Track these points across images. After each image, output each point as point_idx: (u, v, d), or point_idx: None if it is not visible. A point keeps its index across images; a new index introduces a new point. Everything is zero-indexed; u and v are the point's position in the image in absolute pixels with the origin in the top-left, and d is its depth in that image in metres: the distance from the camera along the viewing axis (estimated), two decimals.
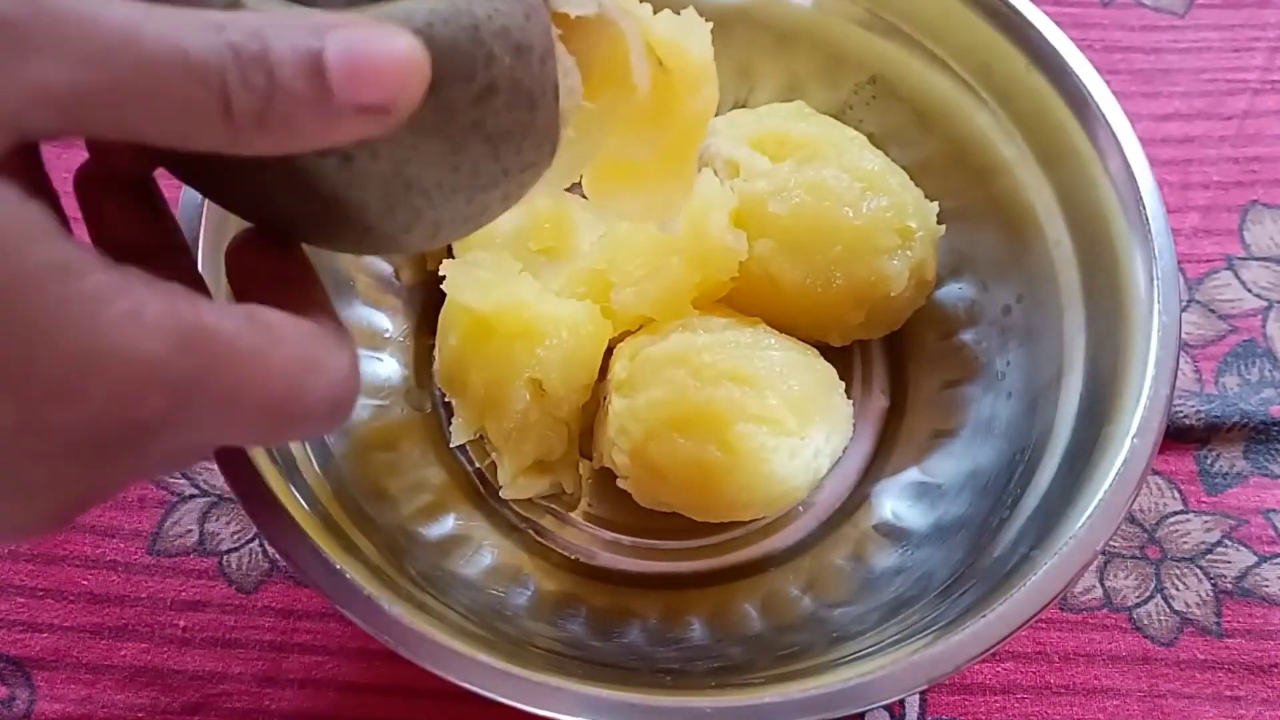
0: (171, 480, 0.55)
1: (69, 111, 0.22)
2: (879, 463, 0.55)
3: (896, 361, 0.58)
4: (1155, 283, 0.45)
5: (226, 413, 0.26)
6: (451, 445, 0.54)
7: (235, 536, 0.54)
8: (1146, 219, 0.46)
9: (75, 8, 0.22)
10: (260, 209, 0.31)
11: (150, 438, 0.25)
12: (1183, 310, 0.59)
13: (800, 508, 0.54)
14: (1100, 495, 0.41)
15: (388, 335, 0.55)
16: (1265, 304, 0.61)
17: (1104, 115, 0.48)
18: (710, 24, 0.40)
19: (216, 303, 0.26)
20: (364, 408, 0.53)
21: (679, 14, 0.39)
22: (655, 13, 0.38)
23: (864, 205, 0.51)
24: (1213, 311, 0.61)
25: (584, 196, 0.44)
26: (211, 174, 0.29)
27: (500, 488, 0.53)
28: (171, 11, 0.23)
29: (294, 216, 0.30)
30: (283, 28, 0.24)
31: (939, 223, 0.53)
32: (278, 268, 0.32)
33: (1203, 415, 0.57)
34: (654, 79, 0.36)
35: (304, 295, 0.31)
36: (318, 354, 0.28)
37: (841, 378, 0.51)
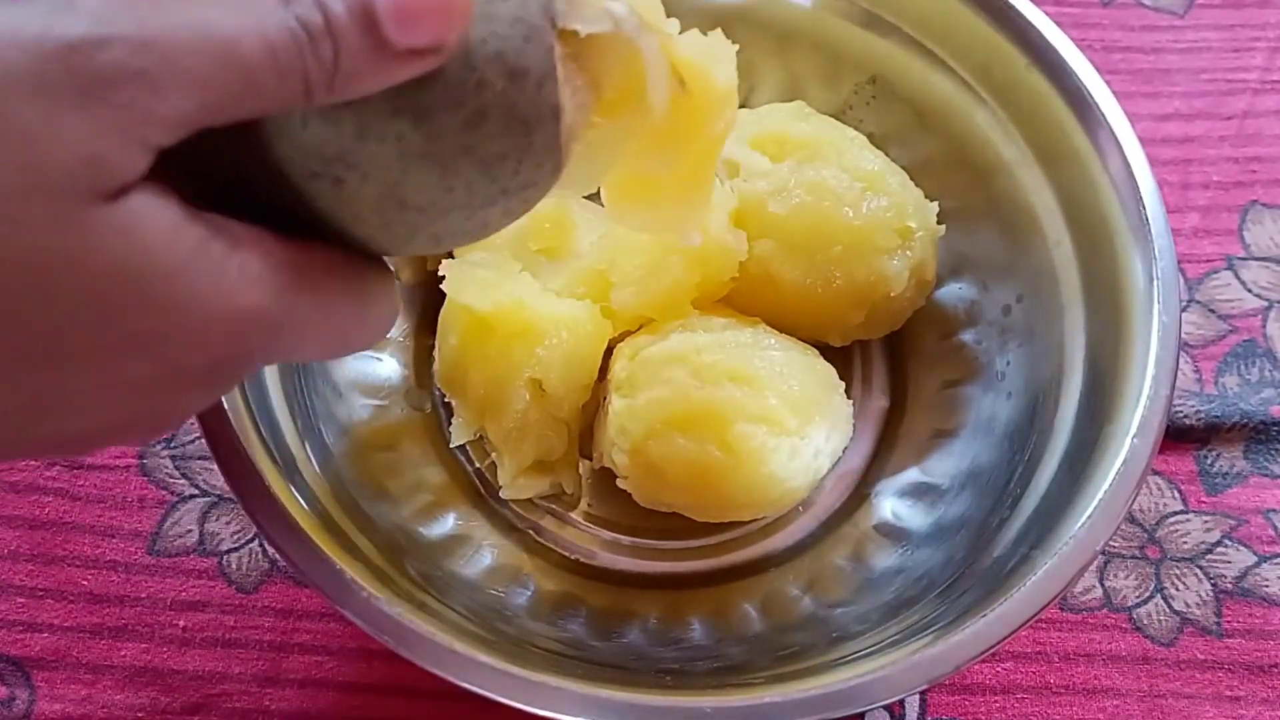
0: (171, 480, 0.55)
1: (193, 124, 0.26)
2: (879, 463, 0.55)
3: (896, 361, 0.58)
4: (1155, 283, 0.45)
5: (315, 330, 0.31)
6: (451, 445, 0.54)
7: (235, 536, 0.54)
8: (1146, 219, 0.46)
9: (183, 38, 0.25)
10: (268, 219, 0.31)
11: (255, 359, 0.30)
12: (1183, 310, 0.59)
13: (800, 508, 0.54)
14: (1100, 495, 0.41)
15: (388, 335, 0.55)
16: (1265, 304, 0.61)
17: (1104, 115, 0.48)
18: (737, 47, 0.39)
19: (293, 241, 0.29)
20: (364, 408, 0.53)
21: (706, 34, 0.39)
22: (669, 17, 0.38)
23: (864, 205, 0.51)
24: (1213, 311, 0.61)
25: (599, 203, 0.44)
26: (222, 188, 0.30)
27: (500, 488, 0.53)
28: (233, 16, 0.26)
29: (299, 225, 0.31)
30: None
31: (939, 223, 0.53)
32: None
33: (1203, 415, 0.57)
34: (675, 99, 0.36)
35: None
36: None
37: (841, 378, 0.51)
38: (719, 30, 0.39)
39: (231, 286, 0.27)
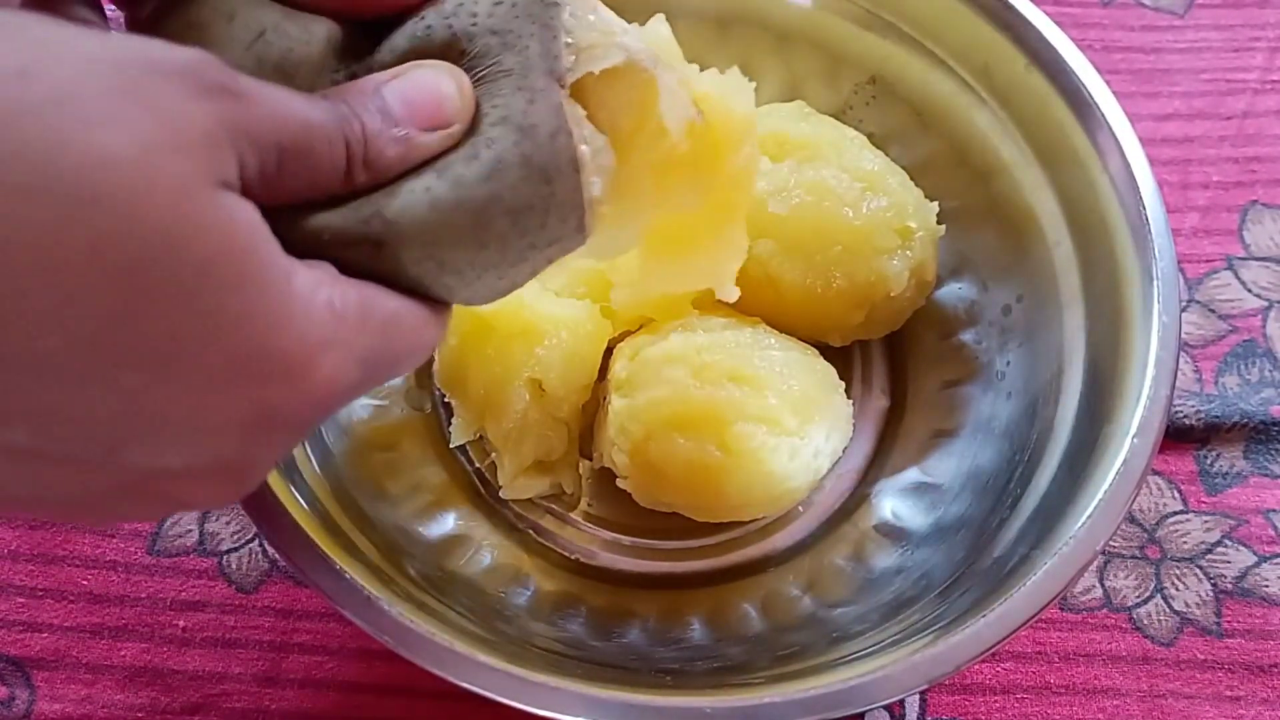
0: None
1: (260, 154, 0.27)
2: (879, 463, 0.56)
3: (896, 361, 0.58)
4: (1155, 283, 0.45)
5: (398, 361, 0.32)
6: (451, 446, 0.54)
7: (235, 536, 0.54)
8: (1146, 219, 0.46)
9: (254, 85, 0.28)
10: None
11: (352, 393, 0.30)
12: (1183, 310, 0.59)
13: (800, 508, 0.54)
14: (1100, 495, 0.41)
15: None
16: (1265, 304, 0.61)
17: (1104, 115, 0.48)
18: (754, 84, 0.40)
19: (376, 287, 0.31)
20: (364, 408, 0.53)
21: (723, 72, 0.39)
22: (655, 21, 0.38)
23: (864, 205, 0.51)
24: (1213, 311, 0.61)
25: None
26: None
27: (500, 488, 0.53)
28: (293, 94, 0.29)
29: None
30: (355, 91, 0.31)
31: (939, 223, 0.53)
32: None
33: (1203, 415, 0.57)
34: (693, 131, 0.36)
35: None
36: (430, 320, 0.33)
37: (841, 378, 0.51)
38: (736, 68, 0.39)
39: (323, 319, 0.28)
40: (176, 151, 0.24)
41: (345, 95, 0.30)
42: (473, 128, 0.31)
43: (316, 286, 0.28)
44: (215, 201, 0.25)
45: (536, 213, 0.31)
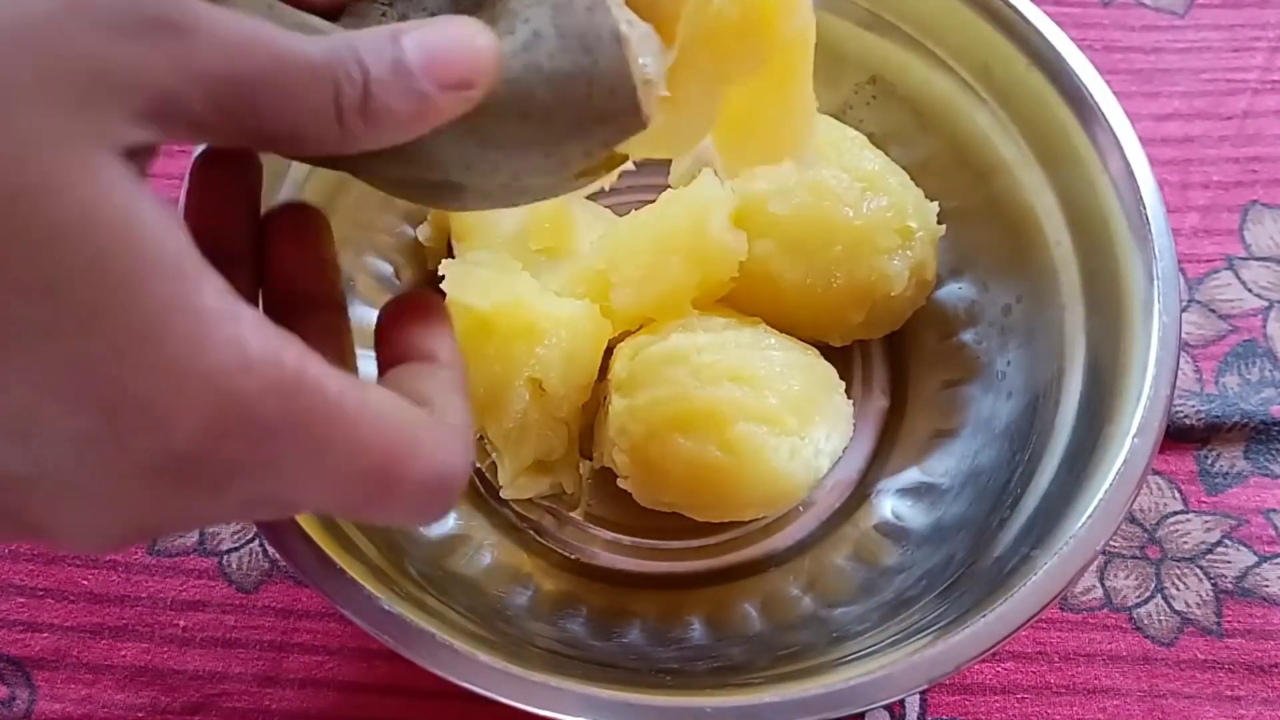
0: None
1: (213, 97, 0.24)
2: (879, 463, 0.55)
3: (896, 361, 0.58)
4: (1155, 283, 0.45)
5: (312, 469, 0.26)
6: None
7: (235, 536, 0.54)
8: (1146, 219, 0.46)
9: (217, 14, 0.24)
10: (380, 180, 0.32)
11: (231, 479, 0.25)
12: (1183, 310, 0.59)
13: (800, 507, 0.54)
14: (1100, 495, 0.41)
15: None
16: (1265, 304, 0.61)
17: (1104, 115, 0.48)
18: None
19: (331, 367, 0.26)
20: None
21: None
22: None
23: (864, 205, 0.51)
24: (1213, 311, 0.61)
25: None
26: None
27: (500, 488, 0.53)
28: (274, 28, 0.26)
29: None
30: (369, 35, 0.27)
31: (939, 223, 0.53)
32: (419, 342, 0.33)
33: (1203, 415, 0.57)
34: None
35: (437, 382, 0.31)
36: (423, 436, 0.28)
37: (841, 378, 0.51)
38: None
39: (219, 349, 0.23)
40: (46, 103, 0.22)
41: (356, 37, 0.27)
42: (508, 12, 0.30)
43: (225, 320, 0.24)
44: (88, 166, 0.22)
45: (579, 81, 0.30)
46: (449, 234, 0.56)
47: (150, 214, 0.23)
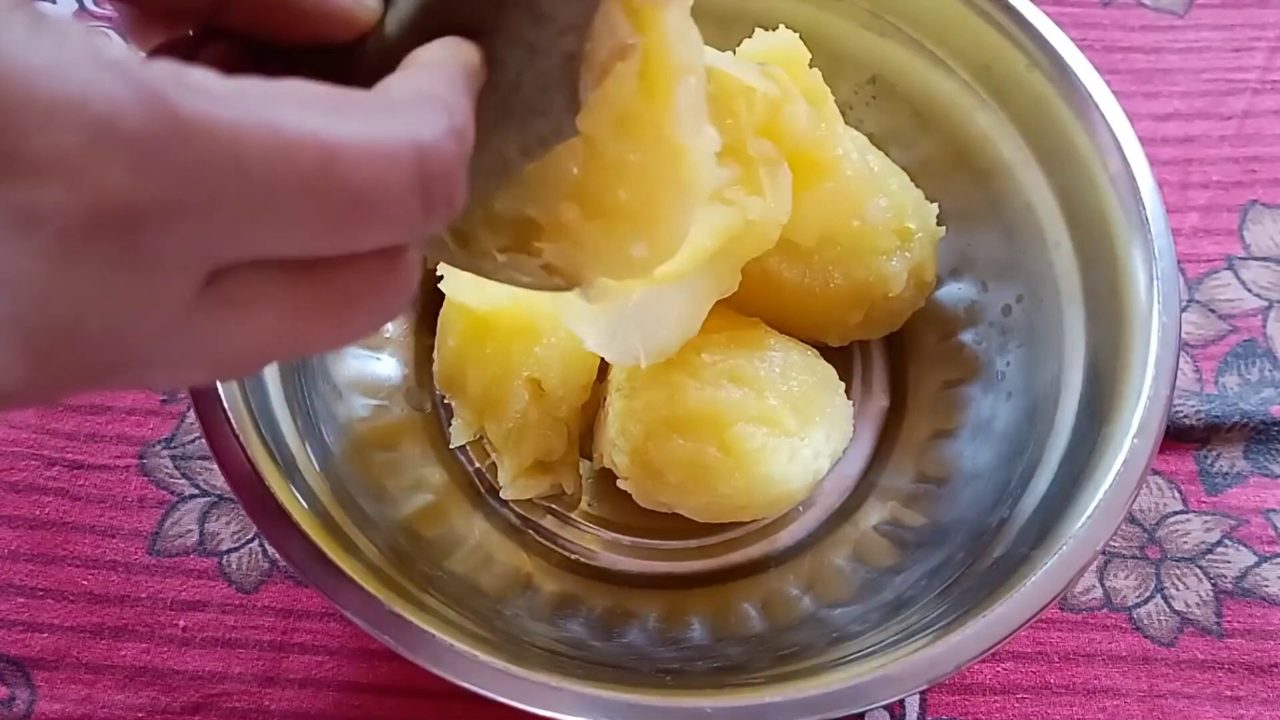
0: (171, 480, 0.55)
1: None
2: (879, 463, 0.56)
3: (896, 361, 0.58)
4: (1155, 283, 0.45)
5: (227, 189, 0.20)
6: (451, 447, 0.54)
7: (235, 536, 0.54)
8: (1146, 219, 0.46)
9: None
10: None
11: (128, 225, 0.19)
12: (1183, 310, 0.59)
13: (800, 508, 0.54)
14: (1100, 495, 0.41)
15: (387, 334, 0.55)
16: (1265, 304, 0.61)
17: (1104, 115, 0.48)
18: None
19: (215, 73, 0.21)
20: (364, 407, 0.53)
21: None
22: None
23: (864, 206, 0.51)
24: (1213, 311, 0.61)
25: None
26: None
27: (500, 488, 0.53)
28: None
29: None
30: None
31: (939, 223, 0.53)
32: None
33: (1203, 415, 0.57)
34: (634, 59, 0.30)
35: None
36: (385, 112, 0.23)
37: (841, 378, 0.51)
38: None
39: (73, 59, 0.19)
40: None
41: None
42: None
43: (80, 31, 0.19)
44: None
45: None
46: None
47: None
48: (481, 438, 0.53)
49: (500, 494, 0.53)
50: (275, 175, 0.20)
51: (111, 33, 0.20)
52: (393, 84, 0.24)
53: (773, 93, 0.44)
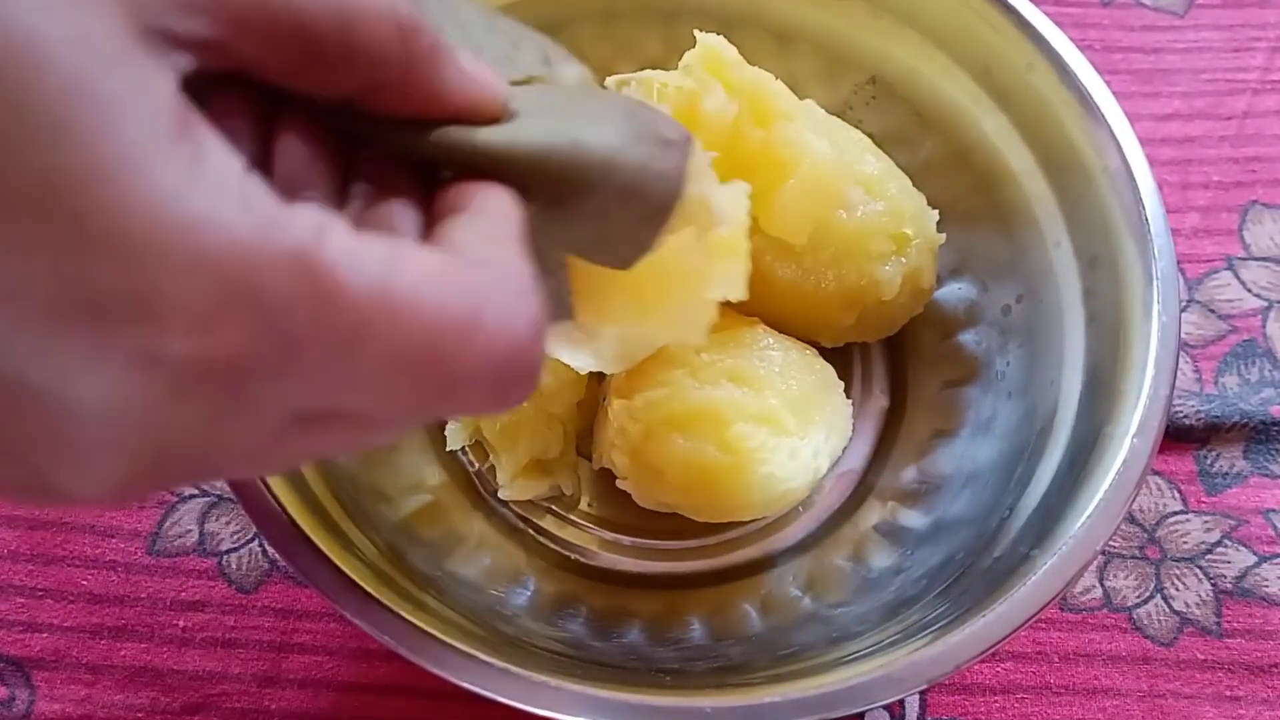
0: None
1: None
2: (879, 463, 0.55)
3: (896, 362, 0.58)
4: (1155, 282, 0.45)
5: (346, 369, 0.21)
6: (449, 449, 0.54)
7: (235, 536, 0.54)
8: (1146, 219, 0.46)
9: None
10: None
11: (246, 379, 0.20)
12: (1182, 310, 0.59)
13: (800, 508, 0.54)
14: (1100, 495, 0.41)
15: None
16: (1265, 304, 0.61)
17: (1103, 115, 0.48)
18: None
19: (354, 231, 0.21)
20: None
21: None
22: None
23: (859, 209, 0.51)
24: (1213, 311, 0.61)
25: None
26: None
27: (498, 488, 0.53)
28: None
29: None
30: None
31: (940, 229, 0.53)
32: None
33: (1203, 415, 0.57)
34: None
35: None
36: (484, 298, 0.23)
37: (841, 378, 0.51)
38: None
39: (212, 192, 0.19)
40: None
41: None
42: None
43: (227, 160, 0.20)
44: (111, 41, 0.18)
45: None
46: None
47: (147, 90, 0.19)
48: (478, 442, 0.53)
49: (499, 494, 0.53)
50: (387, 356, 0.21)
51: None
52: (468, 240, 0.24)
53: (687, 86, 0.45)
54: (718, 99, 0.45)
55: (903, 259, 0.52)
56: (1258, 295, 0.61)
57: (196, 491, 0.55)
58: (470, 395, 0.23)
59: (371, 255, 0.21)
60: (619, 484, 0.50)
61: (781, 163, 0.47)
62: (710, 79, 0.45)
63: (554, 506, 0.55)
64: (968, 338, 0.55)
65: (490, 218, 0.26)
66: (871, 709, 0.47)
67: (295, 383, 0.21)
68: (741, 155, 0.46)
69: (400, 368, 0.22)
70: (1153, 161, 0.47)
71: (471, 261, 0.23)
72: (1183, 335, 0.59)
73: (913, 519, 0.51)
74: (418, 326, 0.21)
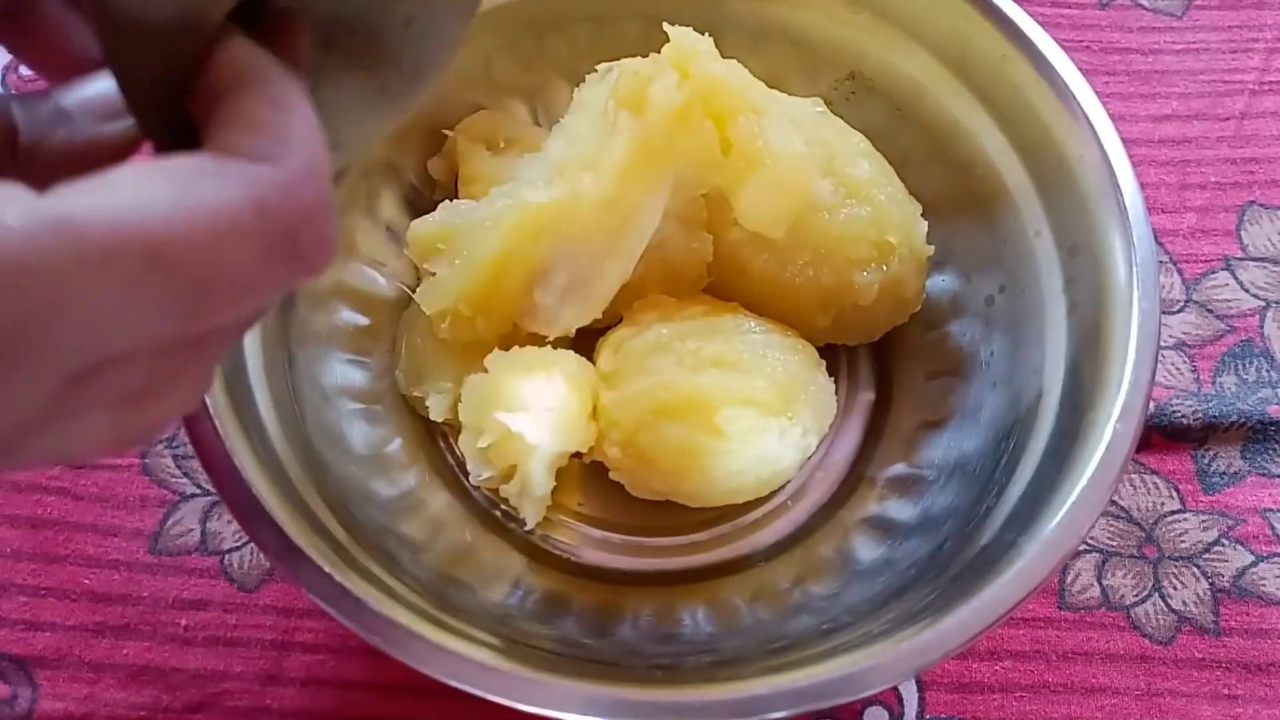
0: (173, 479, 0.55)
1: None
2: (867, 455, 0.55)
3: (882, 355, 0.58)
4: (1134, 270, 0.45)
5: (99, 294, 0.20)
6: (433, 419, 0.53)
7: (237, 535, 0.54)
8: (1125, 207, 0.46)
9: None
10: None
11: (17, 337, 0.20)
12: (1180, 310, 0.59)
13: (790, 501, 0.54)
14: (1084, 481, 0.41)
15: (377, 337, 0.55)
16: (1262, 304, 0.61)
17: (1081, 105, 0.48)
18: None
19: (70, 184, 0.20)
20: (352, 412, 0.52)
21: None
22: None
23: (841, 212, 0.51)
24: (1210, 311, 0.61)
25: None
26: None
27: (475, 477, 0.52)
28: None
29: None
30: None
31: (921, 215, 0.53)
32: None
33: (1200, 415, 0.57)
34: None
35: None
36: (179, 194, 0.21)
37: (829, 373, 0.52)
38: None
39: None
40: None
41: None
42: None
43: None
44: None
45: None
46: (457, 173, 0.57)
47: None
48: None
49: (470, 479, 0.52)
50: (98, 284, 0.20)
51: None
52: (222, 125, 0.23)
53: (644, 71, 0.46)
54: (665, 85, 0.46)
55: (884, 266, 0.52)
56: (1255, 295, 0.61)
57: (198, 490, 0.55)
58: (237, 281, 0.22)
59: (32, 202, 0.20)
60: (612, 475, 0.50)
61: (749, 156, 0.47)
62: (667, 67, 0.46)
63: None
64: (952, 329, 0.55)
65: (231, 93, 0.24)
66: (862, 698, 0.47)
67: (24, 350, 0.20)
68: (705, 148, 0.47)
69: (124, 293, 0.20)
70: (1150, 162, 0.48)
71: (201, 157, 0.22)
72: (1180, 335, 0.59)
73: (901, 510, 0.52)
74: (125, 239, 0.20)
